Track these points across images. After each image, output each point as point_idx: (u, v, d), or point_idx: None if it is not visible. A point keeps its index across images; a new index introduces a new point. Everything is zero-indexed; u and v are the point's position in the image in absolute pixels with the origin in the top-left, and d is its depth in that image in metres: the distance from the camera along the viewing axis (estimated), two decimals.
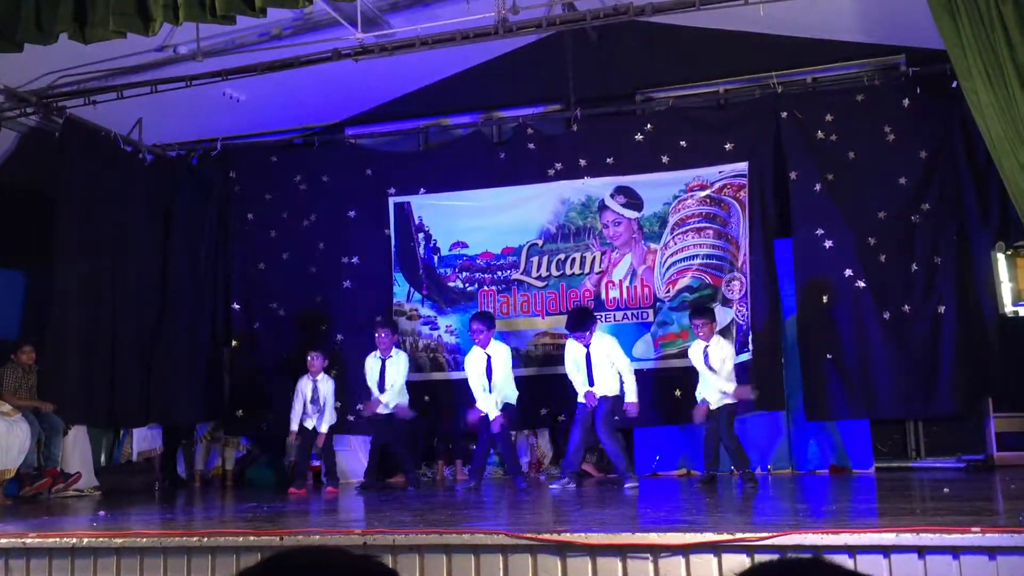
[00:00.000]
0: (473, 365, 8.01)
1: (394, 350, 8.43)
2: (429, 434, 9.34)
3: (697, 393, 7.57)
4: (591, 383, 7.44)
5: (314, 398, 8.46)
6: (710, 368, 7.42)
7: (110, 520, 6.00)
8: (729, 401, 7.37)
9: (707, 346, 7.47)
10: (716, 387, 7.37)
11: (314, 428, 8.45)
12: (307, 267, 9.67)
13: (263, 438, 9.62)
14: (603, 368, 7.48)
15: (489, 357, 7.95)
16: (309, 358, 8.55)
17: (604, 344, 7.58)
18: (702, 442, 7.70)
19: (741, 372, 7.92)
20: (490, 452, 8.41)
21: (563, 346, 7.92)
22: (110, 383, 8.80)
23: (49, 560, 4.92)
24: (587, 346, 7.50)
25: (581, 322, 7.55)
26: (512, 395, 8.04)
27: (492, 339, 8.04)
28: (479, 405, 7.93)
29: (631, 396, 7.45)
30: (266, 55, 7.95)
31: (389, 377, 8.32)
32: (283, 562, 1.34)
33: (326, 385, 8.54)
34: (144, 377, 9.15)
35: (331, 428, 8.55)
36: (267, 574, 1.33)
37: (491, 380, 7.89)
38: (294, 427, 8.48)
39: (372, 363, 8.43)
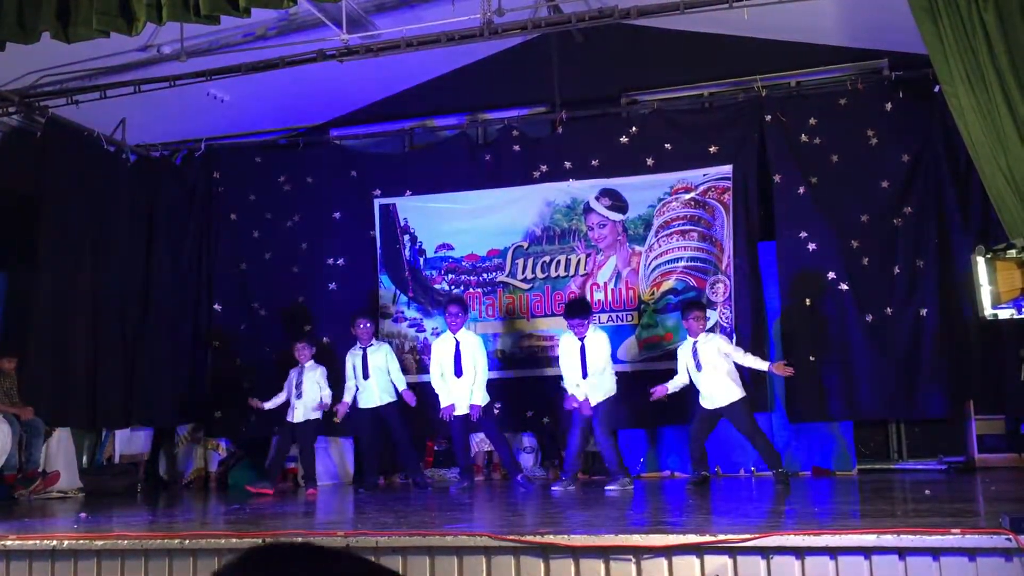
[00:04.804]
0: (442, 351, 8.05)
1: (375, 340, 8.45)
2: (419, 436, 9.32)
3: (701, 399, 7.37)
4: (584, 376, 7.40)
5: (298, 390, 8.35)
6: (699, 367, 7.33)
7: (91, 522, 5.96)
8: (733, 399, 7.24)
9: (695, 343, 7.40)
10: (710, 386, 7.27)
11: (294, 421, 8.32)
12: (290, 268, 9.64)
13: (245, 440, 9.57)
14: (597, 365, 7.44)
15: (458, 343, 7.97)
16: (296, 349, 8.50)
17: (599, 340, 7.56)
18: (687, 444, 7.68)
19: None
20: (471, 449, 8.50)
21: (548, 348, 7.90)
22: (92, 384, 8.74)
23: (29, 563, 4.89)
24: (582, 339, 7.48)
25: (583, 309, 7.58)
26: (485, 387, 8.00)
27: (464, 326, 8.09)
28: (440, 394, 7.99)
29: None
30: (250, 55, 7.92)
31: (372, 365, 8.26)
32: (260, 556, 1.32)
33: (311, 374, 8.41)
34: (126, 378, 9.09)
35: (314, 427, 8.41)
36: (247, 568, 1.31)
37: (460, 367, 7.91)
38: (267, 405, 8.45)
39: (353, 355, 8.40)
